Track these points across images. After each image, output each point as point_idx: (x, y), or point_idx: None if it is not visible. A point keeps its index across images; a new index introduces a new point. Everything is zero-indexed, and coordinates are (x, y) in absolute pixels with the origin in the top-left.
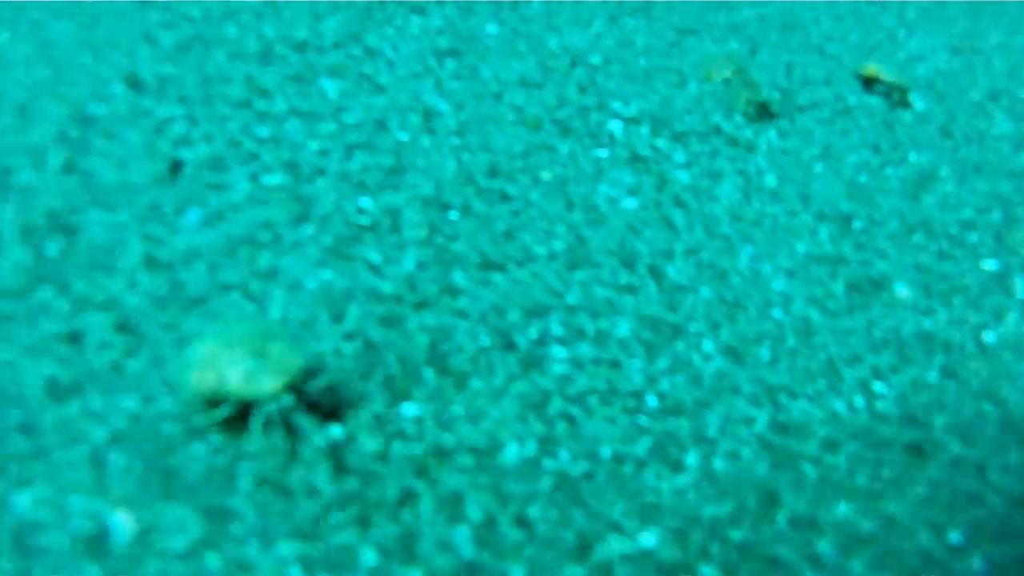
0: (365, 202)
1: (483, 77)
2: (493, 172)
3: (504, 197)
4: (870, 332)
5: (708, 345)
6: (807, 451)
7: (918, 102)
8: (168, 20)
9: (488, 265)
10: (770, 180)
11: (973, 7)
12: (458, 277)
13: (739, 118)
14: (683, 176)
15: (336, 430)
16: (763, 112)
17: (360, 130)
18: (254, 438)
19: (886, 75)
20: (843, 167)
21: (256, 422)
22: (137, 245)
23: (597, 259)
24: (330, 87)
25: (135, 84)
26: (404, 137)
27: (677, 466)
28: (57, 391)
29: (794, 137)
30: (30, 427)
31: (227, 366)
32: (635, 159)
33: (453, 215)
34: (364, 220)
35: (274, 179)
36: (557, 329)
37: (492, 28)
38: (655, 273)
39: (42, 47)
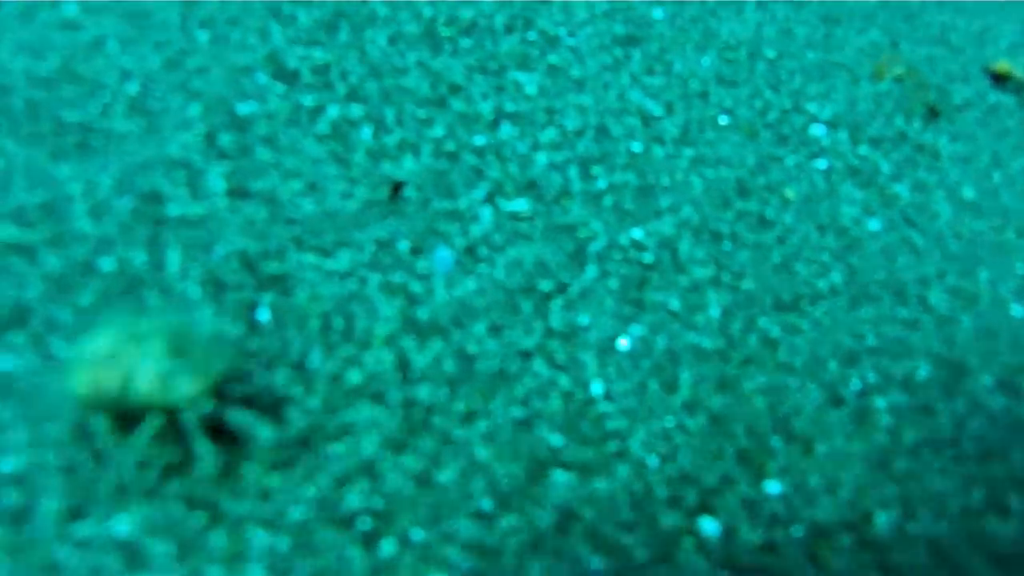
0: (637, 233)
1: (677, 72)
2: (742, 191)
3: (763, 222)
4: None
5: (987, 379)
6: None
7: None
8: None
9: (783, 306)
10: (968, 192)
11: None
12: (765, 323)
13: (916, 122)
14: (902, 191)
15: (710, 525)
16: (931, 113)
17: (585, 138)
18: None
19: (1018, 72)
20: (1014, 175)
21: None
22: (385, 303)
23: (873, 292)
24: (526, 81)
25: (283, 74)
26: (636, 148)
27: (1006, 511)
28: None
29: (962, 141)
30: None
31: None
32: (852, 171)
33: (727, 246)
34: (646, 257)
35: (518, 205)
36: (872, 376)
37: (658, 13)
38: (924, 304)
39: (134, 22)
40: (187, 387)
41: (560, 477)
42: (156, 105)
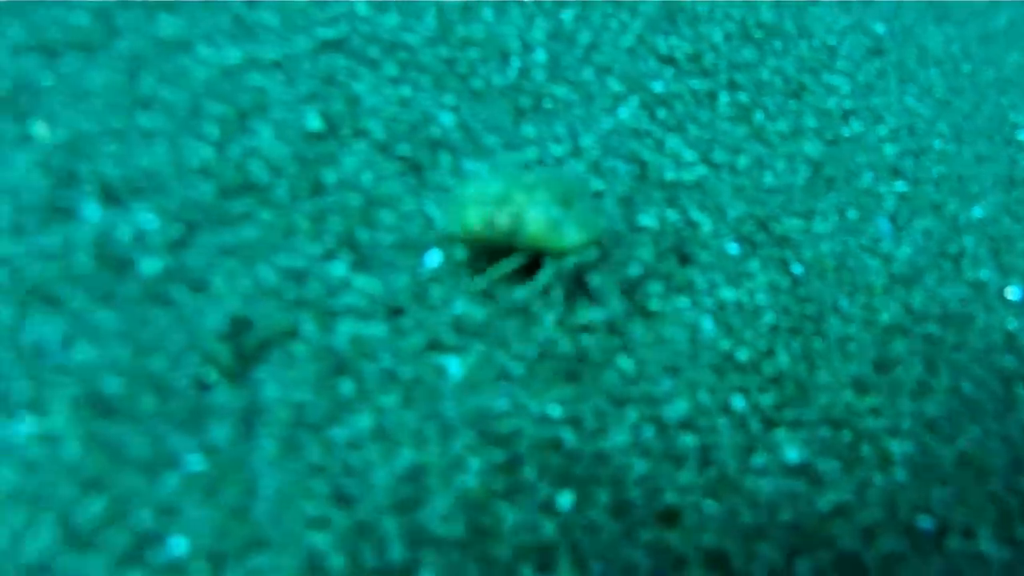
0: (978, 212)
1: (922, 81)
2: (1011, 182)
3: None
4: None
5: None
6: None
7: None
8: None
9: None
10: None
11: None
12: None
13: None
14: None
15: None
16: None
17: (903, 134)
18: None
19: None
20: None
21: None
22: (869, 259)
23: None
24: (839, 83)
25: (663, 58)
26: (937, 145)
27: None
28: None
29: None
30: None
31: None
32: None
33: None
34: (992, 231)
35: (900, 186)
36: None
37: (880, 28)
38: None
39: None
40: (574, 235)
41: (1019, 389)
42: (571, 75)
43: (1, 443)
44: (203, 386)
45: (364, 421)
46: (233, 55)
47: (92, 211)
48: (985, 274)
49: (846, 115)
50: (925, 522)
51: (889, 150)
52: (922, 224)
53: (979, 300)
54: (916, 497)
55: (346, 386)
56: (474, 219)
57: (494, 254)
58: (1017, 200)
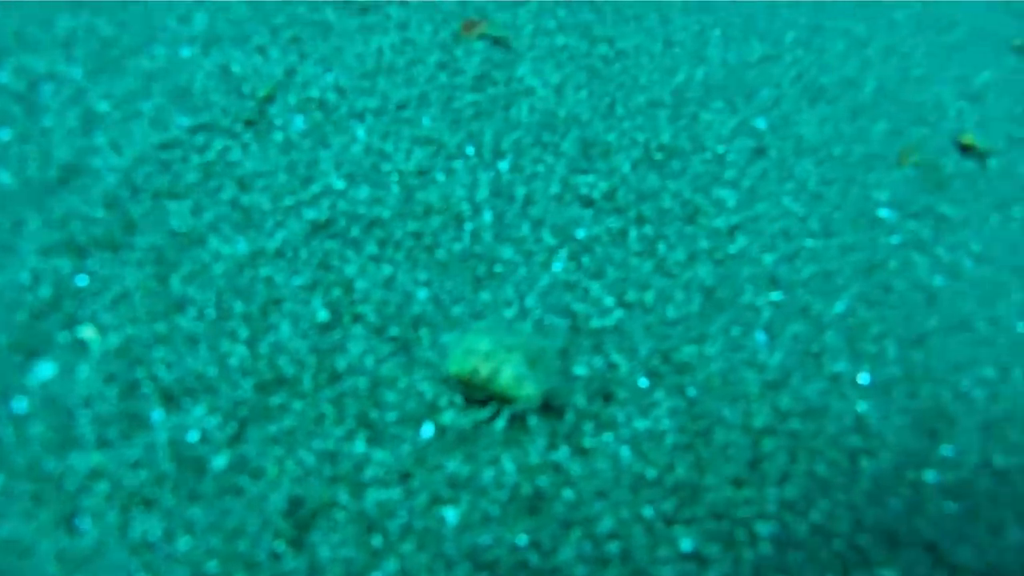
0: (839, 306)
1: (797, 175)
2: (871, 267)
3: None
4: None
5: None
6: None
7: None
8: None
9: None
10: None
11: None
12: None
13: (934, 195)
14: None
15: None
16: (938, 188)
17: (782, 240)
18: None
19: (979, 144)
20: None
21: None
22: (743, 371)
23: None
24: (727, 196)
25: (584, 201)
26: (808, 243)
27: None
28: None
29: (957, 206)
30: None
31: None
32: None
33: None
34: (856, 320)
35: (775, 296)
36: None
37: (761, 122)
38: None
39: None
40: (530, 389)
41: (863, 462)
42: (513, 232)
43: None
44: (276, 556)
45: (392, 566)
46: (242, 247)
47: (158, 415)
48: (841, 366)
49: (732, 231)
50: None
51: (768, 259)
52: (793, 329)
53: (835, 391)
54: (776, 564)
55: (376, 540)
56: (467, 368)
57: (474, 389)
58: (875, 285)
